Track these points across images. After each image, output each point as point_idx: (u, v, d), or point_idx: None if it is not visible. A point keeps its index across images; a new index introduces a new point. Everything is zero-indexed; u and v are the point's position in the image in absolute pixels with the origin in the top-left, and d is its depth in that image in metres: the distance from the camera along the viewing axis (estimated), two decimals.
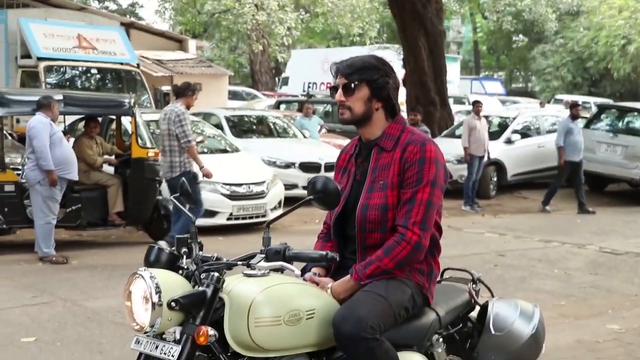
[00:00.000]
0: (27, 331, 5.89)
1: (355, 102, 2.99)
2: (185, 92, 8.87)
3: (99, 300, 6.85)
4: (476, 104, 13.69)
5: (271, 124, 15.32)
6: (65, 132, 9.62)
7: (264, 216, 10.67)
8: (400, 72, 19.82)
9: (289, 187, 11.92)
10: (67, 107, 9.02)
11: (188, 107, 8.96)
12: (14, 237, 9.31)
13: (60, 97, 8.78)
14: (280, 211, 10.82)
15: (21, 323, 6.11)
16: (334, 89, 3.05)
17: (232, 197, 10.50)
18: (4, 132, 12.53)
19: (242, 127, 15.00)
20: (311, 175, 13.12)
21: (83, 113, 10.29)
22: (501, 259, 9.31)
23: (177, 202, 2.99)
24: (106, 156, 9.92)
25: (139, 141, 9.31)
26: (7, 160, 9.19)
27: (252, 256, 2.78)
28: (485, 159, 13.62)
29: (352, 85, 2.98)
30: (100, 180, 9.46)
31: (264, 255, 2.71)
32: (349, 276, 2.86)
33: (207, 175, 9.13)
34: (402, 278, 2.96)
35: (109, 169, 9.99)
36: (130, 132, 9.58)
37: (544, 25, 37.46)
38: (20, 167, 9.29)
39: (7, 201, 8.58)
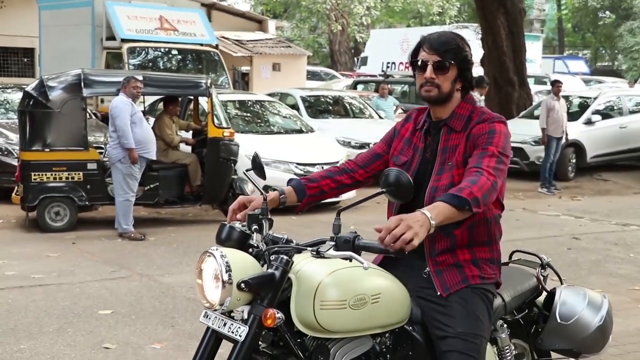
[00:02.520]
0: (105, 304, 6.16)
1: (444, 80, 2.93)
2: (482, 83, 10.46)
3: (173, 275, 7.10)
4: (555, 84, 13.42)
5: (347, 105, 15.37)
6: (144, 113, 9.93)
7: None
8: (478, 52, 19.56)
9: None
10: (146, 88, 9.31)
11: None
12: (96, 214, 9.69)
13: (140, 77, 9.06)
14: (353, 194, 10.89)
15: (100, 296, 6.40)
16: (421, 65, 2.96)
17: (307, 177, 10.63)
18: (88, 111, 13.03)
19: (318, 108, 15.10)
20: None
21: (161, 93, 10.60)
22: (575, 242, 9.16)
23: (248, 177, 3.05)
24: (183, 134, 10.19)
25: (215, 121, 9.52)
26: (90, 139, 9.57)
27: (322, 242, 2.76)
28: (564, 140, 13.36)
29: (447, 64, 2.93)
30: (178, 159, 9.74)
31: (333, 243, 2.69)
32: (439, 202, 2.68)
33: None
34: (479, 281, 2.96)
35: (186, 149, 10.27)
36: (207, 112, 9.80)
37: (632, 1, 36.21)
38: (103, 146, 9.66)
39: (90, 179, 8.93)
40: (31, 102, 8.88)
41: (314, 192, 3.15)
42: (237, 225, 2.82)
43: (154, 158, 8.94)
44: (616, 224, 10.44)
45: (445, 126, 2.99)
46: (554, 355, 3.42)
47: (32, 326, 5.57)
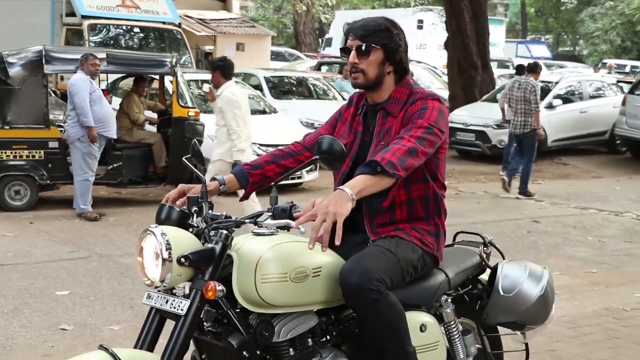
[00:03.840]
0: (63, 284, 6.08)
1: (368, 65, 2.96)
2: (537, 69, 11.48)
3: (133, 256, 6.95)
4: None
5: (311, 86, 15.33)
6: (107, 91, 9.79)
7: (299, 177, 10.74)
8: (443, 35, 19.61)
9: None
10: (109, 66, 9.18)
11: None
12: (54, 193, 9.53)
13: (104, 55, 8.90)
14: (316, 173, 10.89)
15: (57, 277, 6.31)
16: (345, 51, 3.00)
17: None
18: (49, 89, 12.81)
19: (282, 89, 15.04)
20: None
21: (125, 72, 10.46)
22: (535, 225, 9.27)
23: (187, 164, 3.04)
24: (148, 113, 10.07)
25: (180, 101, 9.41)
26: (50, 117, 9.40)
27: (260, 214, 2.82)
28: None
29: (368, 47, 2.95)
30: (143, 139, 9.64)
31: (271, 214, 2.75)
32: (356, 176, 2.74)
33: None
34: (412, 240, 2.99)
35: (151, 129, 10.16)
36: (172, 92, 9.70)
37: None
38: (63, 124, 9.50)
39: (51, 157, 8.78)
40: None
41: (257, 179, 3.14)
42: (177, 205, 2.85)
43: (114, 137, 8.82)
44: (575, 208, 10.58)
45: (381, 110, 3.03)
46: (500, 330, 3.49)
47: None
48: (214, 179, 3.06)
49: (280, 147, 3.29)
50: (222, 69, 7.63)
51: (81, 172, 8.45)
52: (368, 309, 2.77)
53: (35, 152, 8.75)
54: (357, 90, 3.14)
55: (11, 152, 8.63)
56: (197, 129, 9.41)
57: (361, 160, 2.97)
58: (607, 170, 14.37)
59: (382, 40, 2.96)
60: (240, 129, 7.52)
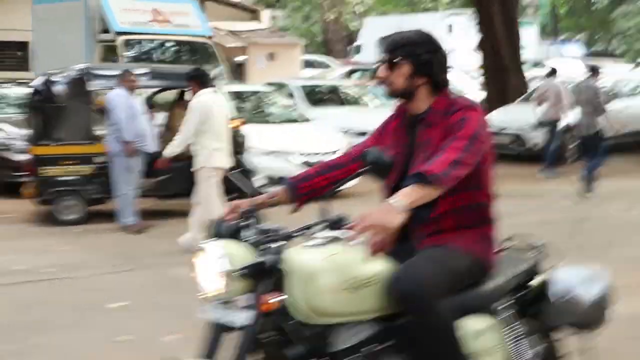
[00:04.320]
0: (115, 297, 6.20)
1: (396, 78, 3.01)
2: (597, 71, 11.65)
3: (181, 266, 7.04)
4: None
5: (343, 93, 15.39)
6: (152, 106, 9.91)
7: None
8: (474, 39, 19.57)
9: None
10: (152, 80, 9.32)
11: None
12: (103, 206, 9.64)
13: (147, 70, 9.05)
14: (356, 180, 10.93)
15: (109, 289, 6.44)
16: (379, 64, 3.07)
17: (306, 167, 10.65)
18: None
19: (314, 97, 15.12)
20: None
21: (167, 86, 10.59)
22: (579, 226, 9.20)
23: (234, 179, 3.11)
24: None
25: None
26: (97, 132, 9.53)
27: (312, 227, 2.87)
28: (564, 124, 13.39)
29: (394, 61, 3.00)
30: (187, 152, 9.68)
31: (322, 226, 2.81)
32: (402, 189, 2.79)
33: None
34: (461, 248, 3.02)
35: None
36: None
37: None
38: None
39: (99, 172, 8.92)
40: (38, 98, 8.93)
41: (306, 191, 3.20)
42: (229, 219, 2.91)
43: (152, 151, 8.90)
44: (618, 208, 10.48)
45: (422, 120, 3.07)
46: (559, 332, 3.48)
47: (45, 321, 5.62)
48: (265, 192, 3.13)
49: (327, 160, 3.35)
50: (197, 78, 7.78)
51: (122, 185, 8.57)
52: (419, 316, 2.82)
53: (83, 168, 8.94)
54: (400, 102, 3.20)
55: (61, 168, 8.81)
56: (237, 141, 9.44)
57: (406, 171, 3.01)
58: None
59: (409, 54, 3.00)
60: (188, 134, 7.57)
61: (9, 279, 6.72)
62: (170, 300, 6.12)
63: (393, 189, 3.02)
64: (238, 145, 9.43)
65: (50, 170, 8.83)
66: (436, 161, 2.81)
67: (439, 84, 3.07)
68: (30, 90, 9.61)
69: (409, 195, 2.73)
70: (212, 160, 7.56)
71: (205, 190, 7.57)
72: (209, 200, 7.51)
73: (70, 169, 8.87)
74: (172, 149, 7.77)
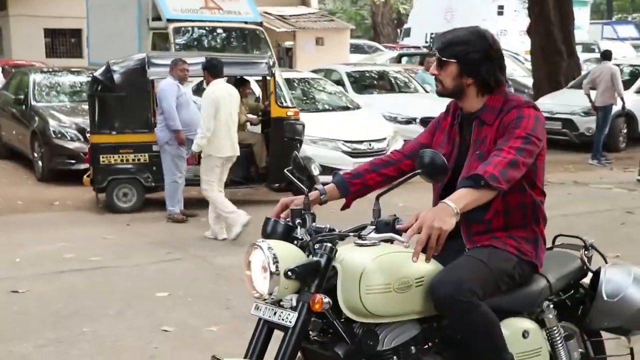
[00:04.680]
0: (162, 286, 6.30)
1: (445, 77, 3.02)
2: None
3: (226, 257, 7.21)
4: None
5: (392, 79, 15.30)
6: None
7: None
8: (525, 21, 19.26)
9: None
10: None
11: None
12: (157, 195, 9.76)
13: (203, 59, 9.08)
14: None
15: (156, 278, 6.55)
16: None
17: (353, 154, 10.63)
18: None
19: (363, 83, 15.06)
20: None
21: (225, 74, 10.64)
22: (629, 216, 9.05)
23: (289, 175, 3.13)
24: (250, 115, 10.20)
25: (278, 101, 9.49)
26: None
27: (363, 227, 2.90)
28: (620, 109, 13.13)
29: (443, 60, 3.01)
30: (244, 140, 9.64)
31: (374, 227, 2.82)
32: (458, 190, 2.79)
33: None
34: (509, 248, 3.00)
35: (253, 129, 10.25)
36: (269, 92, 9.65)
37: None
38: None
39: (155, 160, 9.01)
40: (99, 87, 9.14)
41: (358, 188, 3.21)
42: (282, 220, 2.93)
43: None
44: None
45: (476, 119, 3.05)
46: (603, 334, 3.44)
47: (93, 309, 5.74)
48: (315, 189, 3.15)
49: (380, 156, 3.34)
50: (210, 69, 8.00)
51: (170, 174, 8.68)
52: (460, 319, 2.82)
53: (141, 156, 9.08)
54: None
55: (118, 157, 8.97)
56: (296, 129, 9.48)
57: (459, 170, 3.01)
58: None
59: (457, 54, 2.99)
60: (208, 125, 7.72)
61: (59, 266, 6.88)
62: (215, 291, 6.20)
63: (444, 187, 3.05)
64: (297, 133, 9.47)
65: (109, 158, 9.00)
66: (492, 163, 2.80)
67: (488, 83, 3.04)
68: (89, 79, 9.74)
69: (464, 198, 2.73)
70: (221, 149, 7.82)
71: (206, 180, 7.88)
72: (211, 187, 7.89)
73: (128, 157, 9.00)
74: (198, 144, 7.85)
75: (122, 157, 8.99)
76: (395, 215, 2.80)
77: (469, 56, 2.99)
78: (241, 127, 9.86)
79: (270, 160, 9.52)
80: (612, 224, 8.68)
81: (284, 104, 9.61)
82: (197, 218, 8.84)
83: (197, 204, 9.43)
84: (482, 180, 2.74)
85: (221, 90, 7.91)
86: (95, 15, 17.75)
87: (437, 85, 3.07)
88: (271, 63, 9.49)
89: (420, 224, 2.62)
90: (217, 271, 6.74)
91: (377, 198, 2.86)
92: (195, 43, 15.74)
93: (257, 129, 10.15)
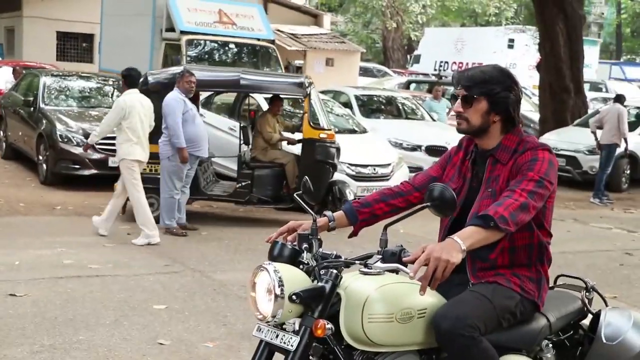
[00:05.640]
0: (159, 298, 6.30)
1: (472, 114, 3.05)
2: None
3: (225, 273, 7.22)
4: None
5: (400, 105, 15.35)
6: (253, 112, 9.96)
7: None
8: (535, 56, 19.37)
9: (414, 170, 11.95)
10: (244, 88, 9.50)
11: None
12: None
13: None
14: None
15: (154, 290, 6.54)
16: (454, 98, 3.13)
17: (357, 178, 10.66)
18: None
19: (371, 107, 15.12)
20: (437, 159, 13.12)
21: (259, 92, 10.67)
22: (628, 257, 9.06)
23: (298, 200, 3.17)
24: (286, 134, 10.14)
25: (313, 122, 9.36)
26: None
27: (370, 256, 2.94)
28: (622, 150, 13.16)
29: (472, 97, 3.04)
30: (276, 159, 9.69)
31: (380, 256, 2.86)
32: (467, 227, 2.83)
33: None
34: (512, 286, 3.03)
35: (290, 149, 10.14)
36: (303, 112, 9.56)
37: None
38: None
39: None
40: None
41: (366, 217, 3.25)
42: (289, 244, 2.97)
43: (205, 156, 8.98)
44: None
45: (491, 157, 3.09)
46: None
47: (89, 317, 5.73)
48: (324, 215, 3.17)
49: (390, 187, 3.37)
50: (127, 78, 8.42)
51: (167, 189, 8.62)
52: (460, 354, 2.83)
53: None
54: (465, 135, 3.21)
55: (147, 167, 8.74)
56: (329, 152, 9.31)
57: (469, 206, 3.05)
58: None
59: (487, 92, 3.03)
60: (104, 129, 8.32)
61: (57, 272, 6.87)
62: (213, 306, 6.20)
63: (453, 222, 3.09)
64: (329, 156, 9.34)
65: None
66: (504, 204, 2.83)
67: (513, 121, 3.09)
68: (99, 85, 9.75)
69: (472, 236, 2.76)
70: (132, 153, 8.13)
71: (130, 180, 8.17)
72: (136, 189, 8.19)
73: (156, 167, 8.90)
74: (93, 138, 8.46)
75: (150, 167, 8.90)
76: (401, 245, 2.83)
77: (499, 94, 3.04)
78: (274, 145, 9.86)
79: (299, 181, 9.33)
80: (611, 264, 8.69)
81: (319, 126, 9.43)
82: (198, 232, 8.85)
83: (196, 218, 9.46)
84: (491, 222, 2.77)
85: (133, 99, 8.23)
86: (109, 22, 17.86)
87: (460, 122, 3.08)
88: (306, 83, 9.33)
89: (428, 256, 2.65)
90: (215, 287, 6.74)
91: (385, 228, 2.90)
92: (207, 56, 15.81)
93: (297, 149, 9.89)
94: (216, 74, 10.19)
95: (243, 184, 9.36)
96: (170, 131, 8.49)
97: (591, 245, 9.69)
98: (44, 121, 11.62)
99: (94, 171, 10.99)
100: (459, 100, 3.07)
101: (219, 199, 9.69)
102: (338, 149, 9.53)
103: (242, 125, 10.46)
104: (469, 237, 2.76)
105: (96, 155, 10.87)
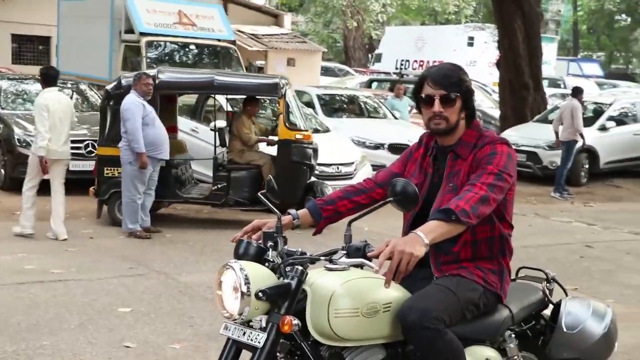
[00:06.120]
0: (124, 301, 6.26)
1: (451, 113, 3.08)
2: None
3: (191, 274, 7.19)
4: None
5: (362, 104, 15.41)
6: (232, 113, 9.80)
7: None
8: (494, 54, 19.58)
9: (377, 168, 11.98)
10: (218, 90, 9.44)
11: None
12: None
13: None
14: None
15: (119, 293, 6.49)
16: (426, 99, 3.10)
17: (321, 177, 10.64)
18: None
19: (333, 106, 15.14)
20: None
21: (233, 94, 10.62)
22: (588, 250, 9.22)
23: (262, 199, 3.19)
24: (269, 137, 10.00)
25: (288, 123, 9.30)
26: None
27: (334, 252, 2.96)
28: (580, 145, 13.36)
29: (452, 96, 3.07)
30: (253, 160, 9.61)
31: (345, 252, 2.89)
32: (429, 221, 2.87)
33: None
34: (475, 278, 3.07)
35: (267, 150, 10.01)
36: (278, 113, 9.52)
37: None
38: None
39: (159, 175, 8.88)
40: (109, 101, 9.12)
41: (330, 214, 3.28)
42: (254, 242, 2.99)
43: (167, 158, 8.87)
44: (629, 233, 10.48)
45: (451, 152, 3.14)
46: None
47: (53, 322, 5.67)
48: (288, 213, 3.19)
49: (353, 184, 3.40)
50: (45, 77, 8.51)
51: (129, 193, 8.55)
52: (426, 346, 2.87)
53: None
54: (426, 130, 3.25)
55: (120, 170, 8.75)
56: (305, 153, 9.26)
57: (431, 201, 3.09)
58: None
59: (460, 89, 3.09)
60: (45, 129, 8.14)
61: (19, 277, 6.79)
62: (179, 308, 6.17)
63: (415, 217, 3.13)
64: (306, 157, 9.28)
65: (113, 171, 8.95)
66: (465, 198, 2.88)
67: (473, 115, 3.16)
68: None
69: (434, 230, 2.81)
70: (49, 150, 8.16)
71: (29, 175, 8.33)
72: (60, 186, 8.37)
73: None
74: (42, 147, 8.14)
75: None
76: (366, 241, 2.87)
77: (468, 90, 3.11)
78: (251, 147, 9.78)
79: (276, 182, 9.27)
80: (571, 257, 8.83)
81: (295, 127, 9.39)
82: (162, 234, 8.79)
83: (160, 220, 9.40)
84: (453, 215, 2.82)
85: (51, 98, 8.28)
86: (67, 24, 17.66)
87: (439, 122, 3.08)
88: (281, 84, 9.25)
89: (392, 249, 2.69)
90: (181, 288, 6.71)
91: (349, 224, 2.94)
92: (167, 58, 15.72)
93: (274, 150, 9.72)
94: (189, 76, 10.14)
95: (219, 186, 9.29)
96: (129, 136, 8.41)
97: (552, 238, 9.83)
98: (1, 125, 11.43)
99: None
100: (436, 101, 3.07)
101: (195, 202, 9.62)
102: (315, 150, 9.48)
103: (217, 127, 10.31)
104: (431, 231, 2.80)
105: None
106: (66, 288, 6.56)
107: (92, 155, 10.69)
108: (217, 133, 10.03)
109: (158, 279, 7.02)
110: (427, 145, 3.26)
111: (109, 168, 8.98)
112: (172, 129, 10.15)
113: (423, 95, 3.12)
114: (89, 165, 10.69)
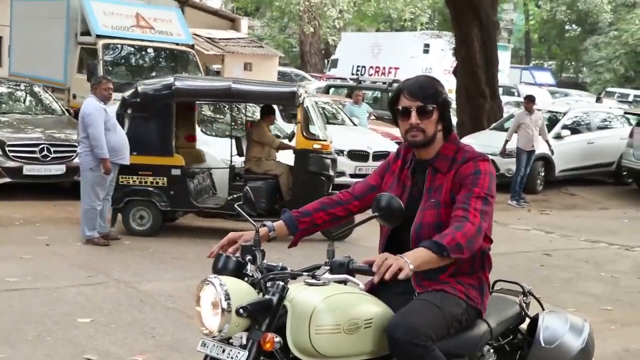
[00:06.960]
0: (84, 311, 6.09)
1: (428, 125, 3.05)
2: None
3: (151, 283, 7.04)
4: (526, 101, 13.56)
5: (320, 110, 15.31)
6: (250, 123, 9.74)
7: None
8: (451, 61, 19.72)
9: (336, 174, 11.94)
10: (235, 97, 9.30)
11: None
12: (68, 214, 9.48)
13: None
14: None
15: (77, 302, 6.32)
16: (403, 111, 3.07)
17: None
18: (62, 108, 12.82)
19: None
20: (359, 164, 13.26)
21: (250, 102, 10.49)
22: (547, 258, 9.30)
23: (239, 210, 3.11)
24: (285, 141, 9.86)
25: (305, 132, 9.11)
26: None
27: (317, 267, 2.90)
28: (547, 151, 13.59)
29: (429, 108, 3.03)
30: (270, 170, 9.43)
31: (328, 267, 2.83)
32: (420, 248, 2.86)
33: None
34: (457, 293, 3.04)
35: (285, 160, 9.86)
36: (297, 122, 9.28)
37: (598, 17, 36.97)
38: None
39: (173, 184, 8.79)
40: (126, 109, 8.90)
41: (306, 226, 3.22)
42: (233, 256, 2.91)
43: (127, 163, 8.68)
44: (586, 241, 10.61)
45: (430, 166, 3.10)
46: None
47: (9, 333, 5.49)
48: (263, 225, 3.11)
49: (330, 196, 3.34)
50: None
51: (88, 200, 8.36)
52: None
53: (159, 179, 8.80)
54: (404, 143, 3.20)
55: (137, 178, 8.68)
56: (324, 163, 9.08)
57: (410, 213, 3.03)
58: (613, 201, 14.43)
59: (438, 101, 3.06)
60: None
61: None
62: (140, 318, 6.03)
63: (392, 230, 3.09)
64: (324, 167, 9.05)
65: (127, 179, 8.77)
66: (463, 229, 2.86)
67: (450, 128, 3.12)
68: (9, 89, 9.44)
69: (422, 259, 2.81)
70: None
71: None
72: None
73: (147, 179, 8.74)
74: None
75: (141, 178, 8.73)
76: (349, 256, 2.81)
77: (445, 102, 3.08)
78: (269, 156, 9.56)
79: (292, 192, 9.10)
80: (531, 265, 8.90)
81: (313, 137, 9.19)
82: (121, 241, 8.62)
83: (120, 227, 9.20)
84: (445, 252, 2.81)
85: None
86: (20, 24, 17.27)
87: (416, 135, 3.05)
88: (299, 92, 9.06)
89: (385, 257, 2.69)
90: (141, 297, 6.56)
91: (332, 238, 2.88)
92: (124, 61, 15.48)
93: (291, 160, 9.48)
94: (206, 83, 9.98)
95: (234, 196, 9.05)
96: (92, 142, 8.22)
97: (512, 246, 9.88)
98: None
99: (7, 180, 10.54)
100: (413, 112, 3.04)
101: (210, 212, 9.34)
102: (334, 160, 9.30)
103: (235, 136, 10.17)
104: (418, 258, 2.79)
105: (10, 164, 10.44)
106: (22, 297, 6.37)
107: (48, 159, 10.48)
108: (234, 142, 9.85)
109: (118, 287, 6.86)
110: (404, 157, 3.22)
111: (124, 176, 8.77)
112: (190, 138, 10.11)
113: (400, 108, 3.08)
114: (43, 170, 10.47)
